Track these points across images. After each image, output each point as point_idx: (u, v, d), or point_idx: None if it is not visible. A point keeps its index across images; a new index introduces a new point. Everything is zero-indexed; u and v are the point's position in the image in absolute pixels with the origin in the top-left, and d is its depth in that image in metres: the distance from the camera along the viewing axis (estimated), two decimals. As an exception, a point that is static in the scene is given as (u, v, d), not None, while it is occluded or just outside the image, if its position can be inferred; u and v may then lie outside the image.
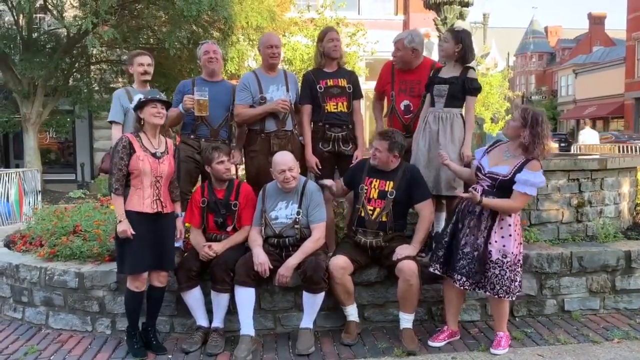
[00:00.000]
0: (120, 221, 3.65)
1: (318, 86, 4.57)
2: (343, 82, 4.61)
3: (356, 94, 4.68)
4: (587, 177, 5.08)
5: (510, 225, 3.69)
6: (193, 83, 4.53)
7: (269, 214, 4.09)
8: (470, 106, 4.31)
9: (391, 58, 4.70)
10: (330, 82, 4.58)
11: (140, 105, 3.75)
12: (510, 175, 3.64)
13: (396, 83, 4.63)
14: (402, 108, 4.60)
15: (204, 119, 4.41)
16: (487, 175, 3.75)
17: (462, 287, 3.80)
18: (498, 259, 3.66)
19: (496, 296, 3.72)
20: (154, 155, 3.74)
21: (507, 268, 3.66)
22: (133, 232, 3.63)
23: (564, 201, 4.99)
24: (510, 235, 3.67)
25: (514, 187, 3.62)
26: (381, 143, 4.05)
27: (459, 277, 3.77)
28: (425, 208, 4.06)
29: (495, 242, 3.68)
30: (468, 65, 4.31)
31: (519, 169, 3.63)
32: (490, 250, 3.68)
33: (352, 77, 4.71)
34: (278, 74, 4.61)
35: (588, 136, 19.57)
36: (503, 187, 3.66)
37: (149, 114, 3.75)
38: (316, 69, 4.72)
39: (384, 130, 4.27)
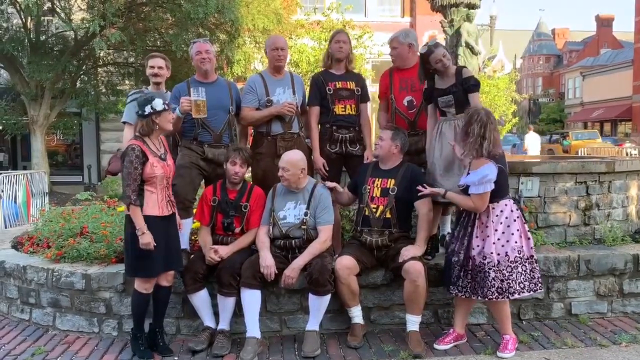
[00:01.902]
0: (143, 233, 3.59)
1: (327, 88, 4.58)
2: (352, 85, 4.62)
3: (364, 97, 4.69)
4: (595, 180, 5.06)
5: (488, 227, 3.71)
6: (188, 85, 4.40)
7: (277, 213, 4.10)
8: (474, 103, 4.24)
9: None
10: (339, 85, 4.59)
11: (160, 111, 3.69)
12: (464, 184, 3.74)
13: (395, 83, 4.62)
14: (406, 104, 4.59)
15: (205, 124, 4.35)
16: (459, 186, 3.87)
17: (455, 295, 3.87)
18: (480, 262, 3.70)
19: (485, 299, 3.73)
20: (160, 158, 3.75)
21: (490, 269, 3.67)
22: (155, 244, 3.62)
23: (572, 204, 4.97)
24: (488, 237, 3.69)
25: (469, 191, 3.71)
26: (385, 132, 4.19)
27: (451, 286, 3.87)
28: (423, 206, 4.07)
29: (477, 246, 3.73)
30: (459, 66, 4.34)
31: (467, 174, 3.72)
32: (473, 256, 3.73)
33: (360, 80, 4.72)
34: (284, 76, 4.61)
35: (531, 140, 19.59)
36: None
37: (166, 120, 3.73)
38: (324, 71, 4.73)
39: (389, 124, 4.46)
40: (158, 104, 3.66)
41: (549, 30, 54.98)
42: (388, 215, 4.08)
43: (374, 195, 4.13)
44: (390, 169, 4.18)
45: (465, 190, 3.74)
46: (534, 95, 43.94)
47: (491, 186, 3.64)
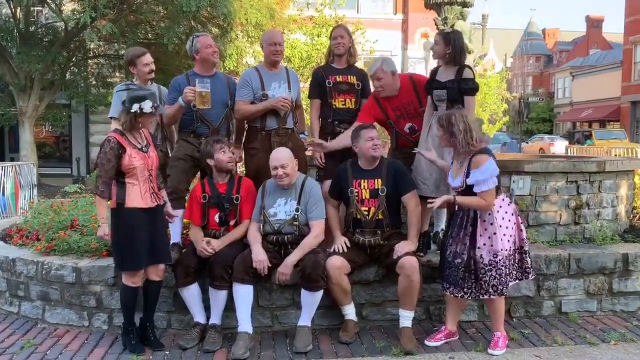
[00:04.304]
0: (102, 224, 3.65)
1: (327, 81, 4.60)
2: (352, 79, 4.62)
3: (365, 92, 4.68)
4: (586, 180, 5.09)
5: (493, 223, 3.69)
6: (187, 78, 4.39)
7: (268, 210, 4.08)
8: (468, 106, 4.22)
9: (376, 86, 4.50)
10: (339, 78, 4.61)
11: (146, 113, 3.66)
12: (463, 185, 3.71)
13: (389, 111, 4.50)
14: (407, 130, 4.53)
15: (204, 118, 4.33)
16: (453, 189, 3.85)
17: (451, 295, 3.84)
18: (490, 260, 3.68)
19: (502, 296, 3.73)
20: (141, 150, 3.73)
21: (502, 265, 3.68)
22: (107, 233, 3.67)
23: (562, 203, 5.00)
24: (495, 234, 3.68)
25: (474, 190, 3.67)
26: (373, 131, 4.11)
27: (447, 285, 3.84)
28: (411, 200, 4.07)
29: (484, 244, 3.70)
30: (463, 64, 4.24)
31: (467, 175, 3.68)
32: (481, 255, 3.69)
33: (362, 76, 4.70)
34: (280, 70, 4.59)
35: None
36: (468, 193, 3.71)
37: (149, 122, 3.76)
38: (325, 65, 4.77)
39: (360, 124, 4.28)
40: (147, 106, 3.64)
41: (539, 30, 55.24)
42: (381, 216, 4.06)
43: (364, 197, 4.08)
44: (373, 168, 4.12)
45: (465, 191, 3.71)
46: (524, 94, 44.14)
47: (496, 180, 3.66)
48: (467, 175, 3.67)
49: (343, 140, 4.43)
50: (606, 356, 3.77)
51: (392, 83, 4.44)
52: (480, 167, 3.63)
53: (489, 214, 3.70)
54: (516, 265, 3.80)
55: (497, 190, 3.74)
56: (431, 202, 3.74)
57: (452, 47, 4.16)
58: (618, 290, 4.58)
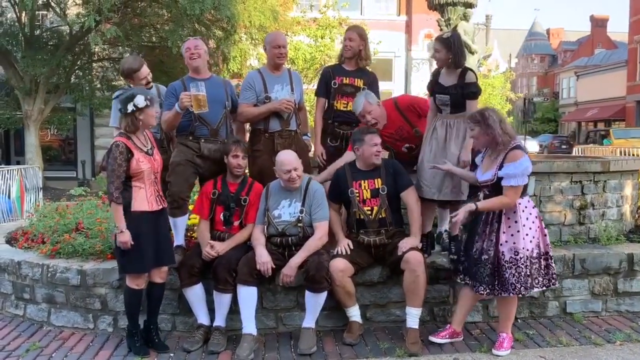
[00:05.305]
0: (121, 231, 3.60)
1: (333, 82, 4.61)
2: (359, 82, 4.62)
3: None
4: (590, 180, 5.08)
5: (517, 221, 3.69)
6: (183, 83, 4.34)
7: (272, 212, 4.09)
8: (470, 110, 4.16)
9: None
10: (346, 80, 4.62)
11: (143, 107, 3.66)
12: (494, 178, 3.69)
13: (383, 138, 4.40)
14: (405, 150, 4.54)
15: (203, 118, 4.28)
16: (481, 184, 3.82)
17: (477, 293, 3.80)
18: (511, 257, 3.67)
19: (519, 294, 3.73)
20: (147, 153, 3.74)
21: (522, 264, 3.66)
22: (132, 243, 3.61)
23: (567, 203, 4.99)
24: (519, 232, 3.67)
25: (502, 183, 3.66)
26: (377, 138, 4.10)
27: (476, 284, 3.78)
28: (410, 196, 4.10)
29: (506, 242, 3.69)
30: (466, 67, 4.21)
31: (500, 167, 3.68)
32: (503, 252, 3.69)
33: (370, 79, 4.70)
34: (283, 73, 4.58)
35: None
36: (498, 188, 3.69)
37: (149, 116, 3.72)
38: (336, 65, 4.81)
39: (364, 128, 4.25)
40: (140, 100, 3.64)
41: (543, 30, 55.10)
42: (383, 215, 4.08)
43: (365, 197, 4.10)
44: (373, 169, 4.14)
45: (494, 185, 3.69)
46: (528, 94, 44.03)
47: (526, 179, 3.66)
48: (500, 168, 3.66)
49: (329, 172, 4.43)
50: (611, 357, 3.76)
51: (381, 113, 4.40)
52: (516, 161, 3.63)
53: (514, 212, 3.70)
54: (542, 271, 3.76)
55: (524, 190, 3.74)
56: (454, 216, 3.74)
57: (452, 52, 4.11)
58: (623, 290, 4.56)
